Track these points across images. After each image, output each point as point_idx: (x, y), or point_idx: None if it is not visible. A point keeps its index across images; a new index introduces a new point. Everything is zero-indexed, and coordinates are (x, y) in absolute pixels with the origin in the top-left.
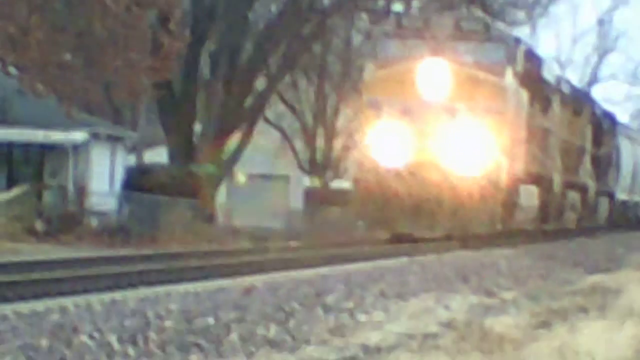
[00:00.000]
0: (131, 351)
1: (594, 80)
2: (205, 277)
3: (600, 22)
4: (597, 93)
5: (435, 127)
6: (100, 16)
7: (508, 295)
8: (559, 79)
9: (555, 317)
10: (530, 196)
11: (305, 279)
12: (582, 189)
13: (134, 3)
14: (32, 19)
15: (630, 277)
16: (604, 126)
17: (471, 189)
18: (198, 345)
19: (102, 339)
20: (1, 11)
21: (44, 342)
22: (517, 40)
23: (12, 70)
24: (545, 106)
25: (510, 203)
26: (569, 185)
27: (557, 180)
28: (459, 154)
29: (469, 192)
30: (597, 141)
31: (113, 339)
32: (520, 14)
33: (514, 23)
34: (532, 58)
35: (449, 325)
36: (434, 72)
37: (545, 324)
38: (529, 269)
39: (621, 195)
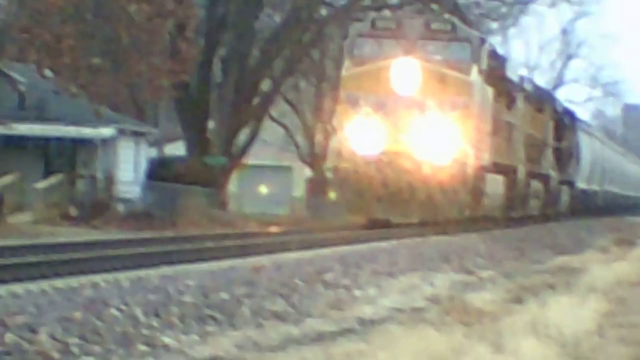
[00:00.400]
0: (154, 322)
1: (558, 83)
2: (219, 257)
3: (564, 32)
4: (562, 95)
5: (406, 120)
6: (125, 25)
7: (485, 274)
8: (522, 78)
9: (527, 293)
10: (496, 185)
11: (306, 259)
12: (545, 179)
13: (155, 13)
14: (65, 27)
15: (593, 258)
16: (565, 122)
17: (440, 177)
18: (213, 318)
19: (129, 312)
20: (37, 20)
21: (78, 315)
22: (482, 40)
23: (47, 73)
24: (510, 102)
25: (477, 191)
26: (533, 175)
27: (522, 170)
28: (429, 145)
29: (438, 181)
30: (558, 136)
31: (138, 311)
32: (494, 24)
33: (487, 32)
34: (496, 57)
35: (433, 300)
36: (405, 70)
37: (519, 300)
38: (504, 251)
39: (581, 185)
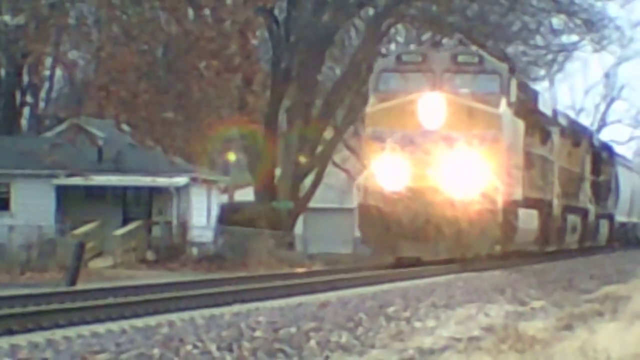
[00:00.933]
0: (228, 357)
1: (602, 124)
2: (288, 295)
3: (607, 76)
4: (605, 135)
5: (434, 155)
6: (196, 80)
7: (537, 304)
8: (556, 112)
9: (577, 320)
10: (529, 219)
11: (369, 294)
12: (583, 213)
13: (224, 69)
14: (140, 84)
15: (638, 286)
16: (602, 156)
17: (469, 213)
18: (283, 351)
19: (203, 348)
20: (114, 78)
21: (156, 351)
22: (511, 72)
23: (124, 127)
24: (545, 137)
25: (509, 226)
26: (569, 210)
27: (557, 204)
28: (457, 180)
29: (467, 217)
30: (596, 170)
31: (213, 347)
32: (541, 71)
33: (535, 79)
34: (527, 90)
35: (489, 329)
36: (431, 104)
37: (569, 327)
38: (554, 282)
39: (620, 218)
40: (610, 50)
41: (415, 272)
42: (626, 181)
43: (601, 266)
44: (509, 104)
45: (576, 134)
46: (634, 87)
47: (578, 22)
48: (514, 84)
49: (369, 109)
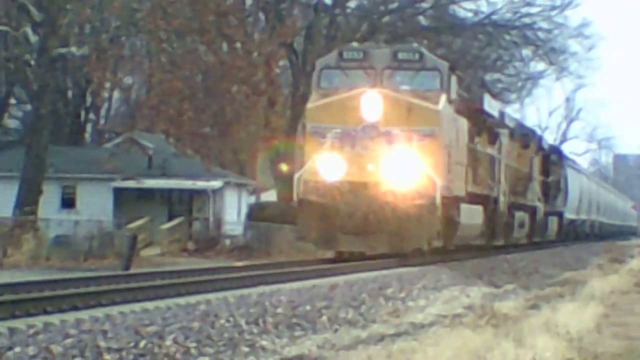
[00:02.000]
0: (255, 330)
1: (563, 139)
2: (304, 279)
3: (567, 100)
4: (566, 148)
5: (373, 150)
6: (229, 102)
7: (509, 287)
8: (503, 114)
9: (542, 301)
10: (473, 214)
11: (371, 278)
12: (531, 210)
13: (252, 93)
14: (183, 105)
15: (592, 273)
16: (552, 158)
17: (407, 207)
18: (300, 325)
19: (234, 322)
20: (162, 100)
21: (196, 325)
22: (452, 69)
23: (170, 139)
24: (492, 137)
25: (450, 221)
26: (517, 207)
27: (503, 201)
28: (396, 175)
29: (405, 211)
30: (545, 170)
31: (242, 321)
32: (512, 96)
33: (508, 102)
34: (471, 91)
35: (469, 308)
36: (371, 100)
37: (535, 306)
38: (523, 269)
39: (569, 215)
40: (569, 79)
41: (453, 256)
42: (575, 182)
43: (562, 256)
44: (450, 101)
45: (525, 136)
46: (589, 110)
47: (543, 54)
48: (454, 81)
49: (310, 104)
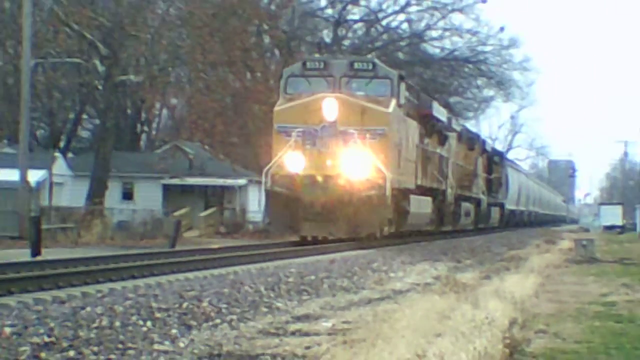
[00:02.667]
0: (271, 294)
1: (509, 148)
2: (310, 255)
3: (512, 117)
4: (511, 155)
5: (332, 147)
6: (251, 118)
7: (468, 262)
8: (451, 120)
9: (492, 273)
10: (422, 204)
11: (361, 255)
12: (476, 201)
13: (269, 111)
14: (216, 120)
15: (532, 251)
16: (495, 159)
17: (361, 198)
18: (306, 291)
19: (256, 288)
20: (200, 116)
21: (226, 290)
22: (401, 78)
23: (206, 147)
24: (442, 139)
25: (400, 209)
26: (463, 198)
27: (450, 193)
28: (351, 169)
29: (359, 201)
30: (489, 169)
31: (262, 288)
32: (470, 114)
33: (466, 118)
34: (420, 96)
35: (437, 278)
36: (330, 104)
37: (487, 277)
38: (478, 248)
39: (510, 206)
40: (513, 102)
41: (389, 241)
42: (514, 179)
43: (508, 238)
44: (399, 105)
45: (471, 140)
46: (529, 125)
47: (493, 83)
48: (403, 88)
49: (277, 108)
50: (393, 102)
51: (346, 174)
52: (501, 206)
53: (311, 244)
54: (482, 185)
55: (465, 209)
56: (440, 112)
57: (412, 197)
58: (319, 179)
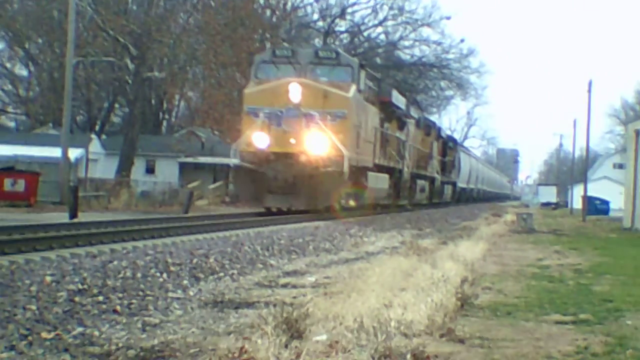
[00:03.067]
0: (266, 253)
1: (465, 138)
2: (298, 222)
3: (468, 113)
4: (467, 143)
5: (295, 127)
6: None
7: (428, 230)
8: (409, 107)
9: (448, 240)
10: (379, 181)
11: (339, 223)
12: (431, 180)
13: None
14: (224, 110)
15: (481, 222)
16: (449, 144)
17: (321, 173)
18: (295, 251)
19: (254, 248)
20: (211, 107)
21: (229, 249)
22: (362, 66)
23: (216, 132)
24: (401, 124)
25: (358, 185)
26: (419, 177)
27: (407, 171)
28: (313, 147)
29: (319, 176)
30: (444, 152)
31: (258, 248)
32: (434, 110)
33: (431, 113)
34: (381, 85)
35: (403, 243)
36: (295, 88)
37: (444, 243)
38: (437, 219)
39: (461, 185)
40: (469, 100)
41: (365, 212)
42: (466, 162)
43: (462, 211)
44: (359, 91)
45: (427, 126)
46: (482, 119)
47: (454, 85)
48: (363, 75)
49: (247, 90)
50: (353, 87)
51: (307, 152)
52: (454, 184)
53: (280, 214)
54: (436, 166)
55: (420, 185)
56: (399, 101)
57: (369, 174)
58: (283, 156)
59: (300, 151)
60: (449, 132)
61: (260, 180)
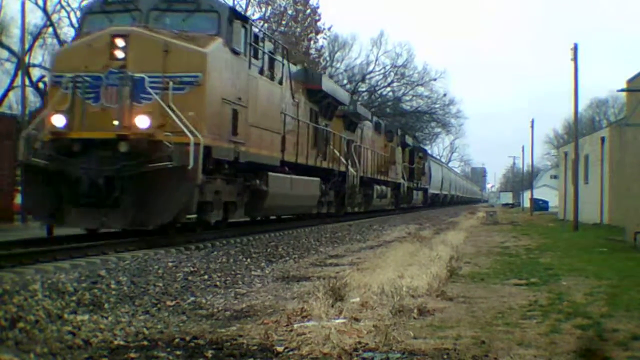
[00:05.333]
0: (316, 243)
1: (449, 160)
2: (338, 222)
3: (451, 143)
4: (450, 165)
5: (120, 102)
6: None
7: (426, 224)
8: (370, 114)
9: (440, 231)
10: (295, 186)
11: (366, 221)
12: (394, 185)
13: None
14: None
15: (461, 219)
16: (418, 154)
17: (158, 172)
18: (336, 241)
19: (308, 240)
20: None
21: (291, 241)
22: (236, 17)
23: None
24: (349, 125)
25: (255, 190)
26: (377, 182)
27: (354, 175)
28: (143, 131)
29: (154, 177)
30: (411, 160)
31: (311, 239)
32: (427, 142)
33: (425, 144)
34: (307, 72)
35: (409, 233)
36: (118, 41)
37: (437, 233)
38: (433, 217)
39: (432, 191)
40: (451, 135)
41: (381, 212)
42: (437, 170)
43: (447, 212)
44: (233, 50)
45: (389, 133)
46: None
47: (440, 125)
48: (238, 28)
49: (57, 53)
50: (218, 41)
51: (135, 139)
52: (424, 190)
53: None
54: (401, 171)
55: (379, 190)
56: (338, 93)
57: (271, 174)
58: (94, 145)
59: (122, 136)
60: (409, 138)
61: (56, 185)
